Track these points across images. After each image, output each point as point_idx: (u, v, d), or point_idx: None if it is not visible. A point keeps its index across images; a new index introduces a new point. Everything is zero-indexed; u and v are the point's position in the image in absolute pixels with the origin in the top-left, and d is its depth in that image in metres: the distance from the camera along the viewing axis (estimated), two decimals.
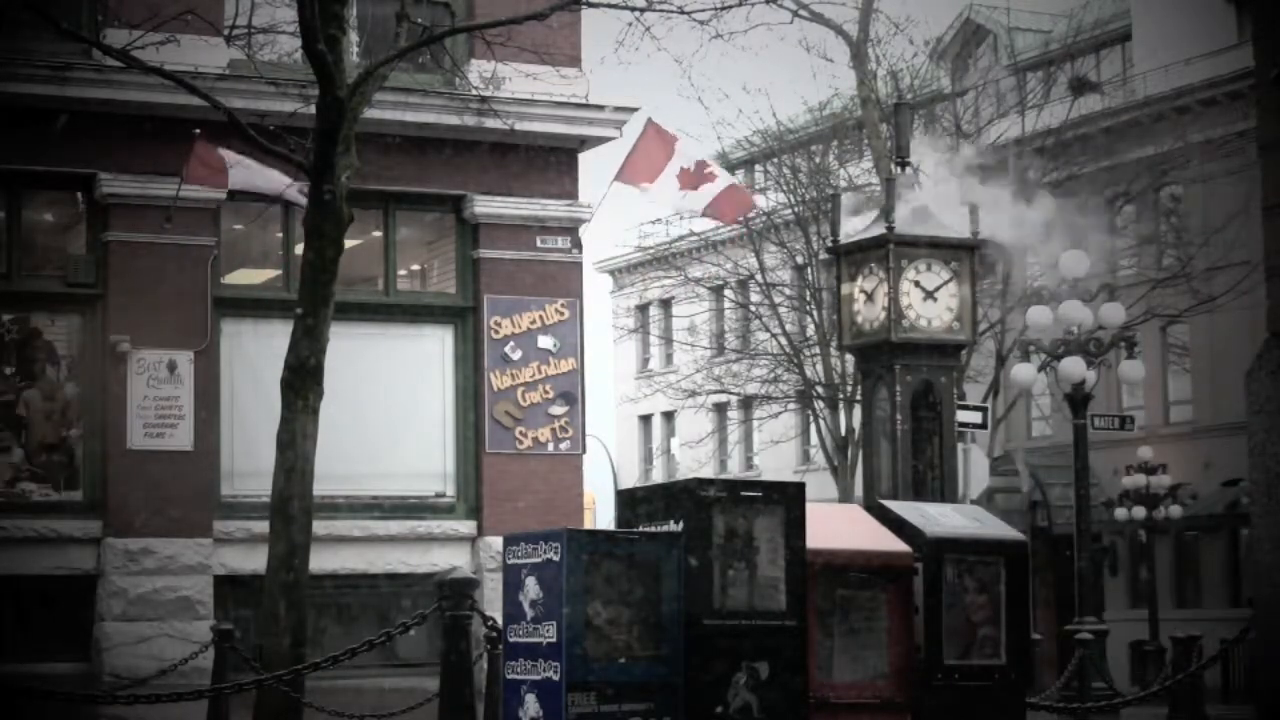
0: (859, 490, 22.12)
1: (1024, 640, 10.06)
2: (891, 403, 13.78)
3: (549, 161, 20.53)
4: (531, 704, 8.94)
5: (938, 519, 10.17)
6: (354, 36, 16.32)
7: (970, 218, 14.14)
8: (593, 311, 34.59)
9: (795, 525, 9.31)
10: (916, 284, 13.86)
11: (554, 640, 8.82)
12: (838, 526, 9.92)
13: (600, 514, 48.84)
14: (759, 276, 36.71)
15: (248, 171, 17.14)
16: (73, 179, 19.01)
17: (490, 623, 12.61)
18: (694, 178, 18.69)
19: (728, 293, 42.68)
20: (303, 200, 17.19)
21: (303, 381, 13.68)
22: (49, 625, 18.50)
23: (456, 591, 11.66)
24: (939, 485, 13.78)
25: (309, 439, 13.65)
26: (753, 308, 38.54)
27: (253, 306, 19.54)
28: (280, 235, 19.91)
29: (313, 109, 14.15)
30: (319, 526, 14.71)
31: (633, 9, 17.86)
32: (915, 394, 13.87)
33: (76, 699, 12.18)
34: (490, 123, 19.15)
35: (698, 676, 9.02)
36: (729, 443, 50.36)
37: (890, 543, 9.85)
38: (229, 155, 17.07)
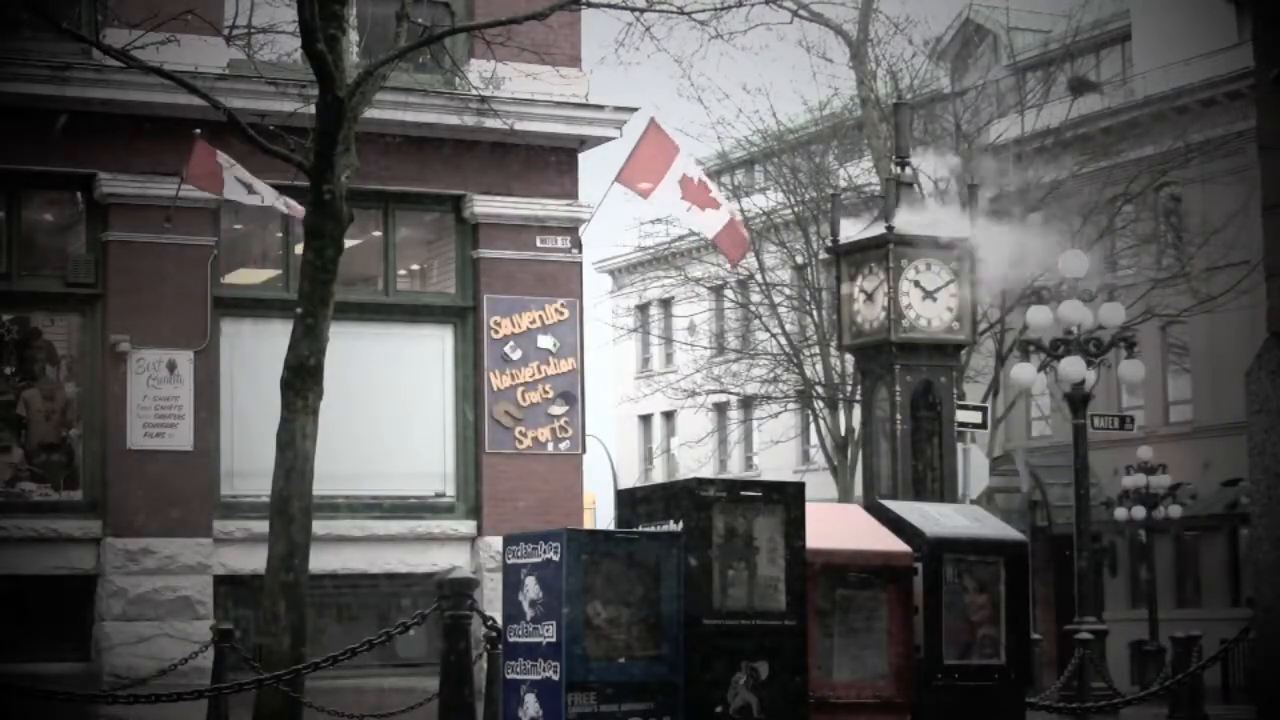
0: (859, 490, 22.11)
1: (1024, 640, 10.05)
2: (891, 403, 13.78)
3: (549, 161, 20.52)
4: (531, 704, 8.93)
5: (938, 519, 10.17)
6: (354, 36, 16.28)
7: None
8: (592, 311, 34.55)
9: (795, 525, 9.30)
10: (916, 284, 13.86)
11: (554, 640, 8.81)
12: (838, 526, 9.91)
13: (600, 514, 48.86)
14: (759, 276, 36.69)
15: (239, 183, 17.11)
16: (72, 179, 19.01)
17: (490, 623, 12.61)
18: (698, 193, 18.65)
19: (728, 293, 42.65)
20: (288, 210, 17.20)
21: (303, 381, 13.68)
22: (49, 625, 18.49)
23: (456, 591, 11.68)
24: (939, 485, 13.78)
25: (309, 439, 13.66)
26: (753, 308, 38.52)
27: (253, 306, 19.54)
28: (280, 235, 19.90)
29: (313, 109, 14.15)
30: (319, 526, 14.71)
31: (633, 9, 17.88)
32: (915, 394, 13.87)
33: (76, 699, 12.18)
34: (490, 123, 19.14)
35: (698, 676, 9.01)
36: (729, 443, 50.31)
37: (890, 543, 9.84)
38: (224, 159, 17.05)
